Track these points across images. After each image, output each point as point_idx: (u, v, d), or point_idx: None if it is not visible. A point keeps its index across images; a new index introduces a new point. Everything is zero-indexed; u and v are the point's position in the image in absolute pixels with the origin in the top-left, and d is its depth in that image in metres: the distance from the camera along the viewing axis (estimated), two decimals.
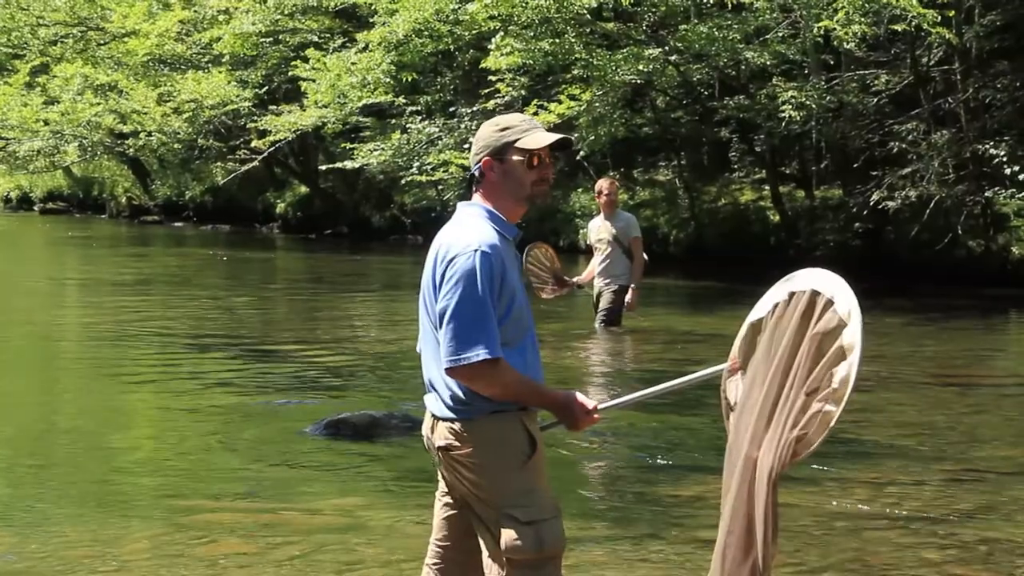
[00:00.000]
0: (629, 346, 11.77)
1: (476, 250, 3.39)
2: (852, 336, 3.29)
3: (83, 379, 10.25)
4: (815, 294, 3.44)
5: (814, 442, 3.31)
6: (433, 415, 3.54)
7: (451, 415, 3.47)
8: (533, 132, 3.54)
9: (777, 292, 3.60)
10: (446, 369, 3.40)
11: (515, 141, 3.53)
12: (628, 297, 11.62)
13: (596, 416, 3.57)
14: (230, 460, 7.26)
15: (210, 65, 27.32)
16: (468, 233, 3.45)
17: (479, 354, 3.34)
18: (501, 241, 3.48)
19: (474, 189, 3.61)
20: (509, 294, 3.45)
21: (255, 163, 26.33)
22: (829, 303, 3.39)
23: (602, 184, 11.88)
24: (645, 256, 11.88)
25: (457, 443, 3.46)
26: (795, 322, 3.44)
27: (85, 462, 7.26)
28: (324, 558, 5.24)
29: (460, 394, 3.44)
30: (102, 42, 29.58)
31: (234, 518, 5.89)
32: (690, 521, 5.85)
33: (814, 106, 17.11)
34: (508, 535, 3.41)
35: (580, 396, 3.56)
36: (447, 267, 3.42)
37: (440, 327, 3.42)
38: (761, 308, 3.63)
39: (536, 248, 11.32)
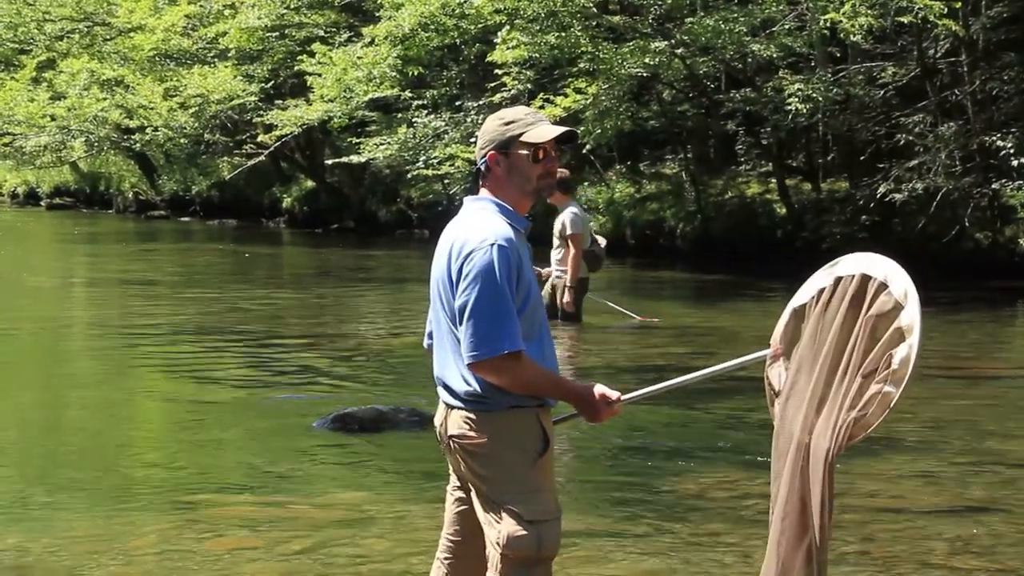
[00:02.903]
0: (634, 340, 11.77)
1: (493, 244, 3.38)
2: (911, 317, 3.29)
3: (90, 374, 10.27)
4: (866, 278, 3.42)
5: (872, 423, 3.31)
6: (448, 405, 3.54)
7: (468, 405, 3.47)
8: (538, 125, 3.52)
9: (821, 278, 3.57)
10: (468, 364, 3.39)
11: (520, 135, 3.51)
12: (565, 297, 11.43)
13: (617, 408, 3.56)
14: (237, 454, 7.27)
15: (216, 60, 27.33)
16: (482, 228, 3.43)
17: (502, 348, 3.33)
18: (515, 234, 3.48)
19: (480, 183, 3.60)
20: (525, 287, 3.44)
21: (261, 157, 26.32)
22: (883, 286, 3.37)
23: None
24: (599, 249, 11.57)
25: (471, 433, 3.45)
26: (845, 307, 3.42)
27: (92, 456, 7.28)
28: (332, 552, 5.25)
29: (478, 387, 3.43)
30: (108, 37, 29.60)
31: (241, 512, 5.90)
32: (696, 515, 5.86)
33: (820, 99, 17.07)
34: (509, 531, 3.40)
35: (602, 387, 3.54)
36: (464, 262, 3.39)
37: (460, 323, 3.41)
38: (804, 294, 3.61)
39: None
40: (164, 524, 5.66)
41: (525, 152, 3.51)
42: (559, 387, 3.52)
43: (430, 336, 3.66)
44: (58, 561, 5.14)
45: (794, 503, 3.40)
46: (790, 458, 3.43)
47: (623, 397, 3.57)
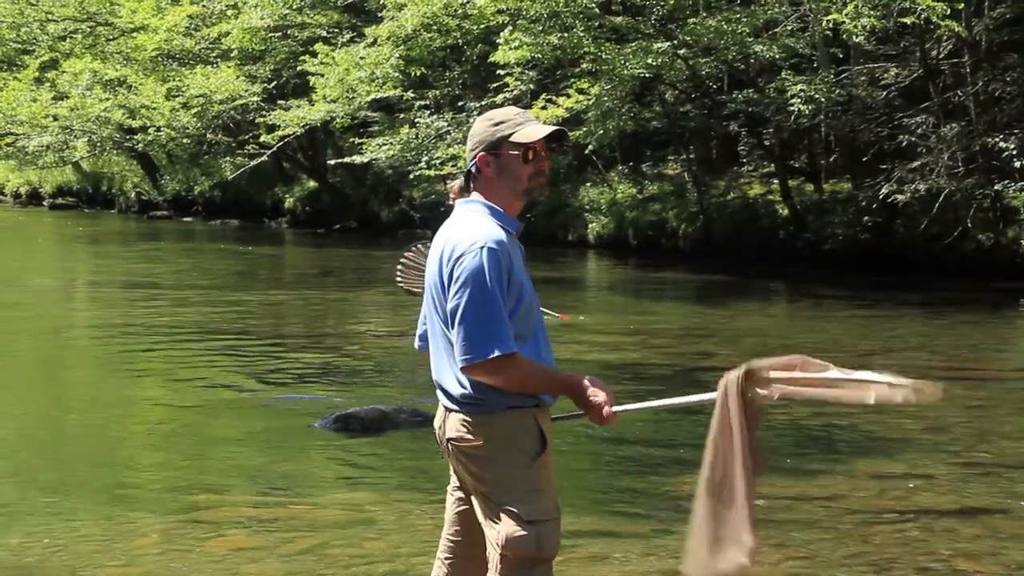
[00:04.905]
0: (637, 340, 11.76)
1: (482, 247, 3.36)
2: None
3: (92, 374, 10.27)
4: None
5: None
6: (446, 408, 3.54)
7: (465, 408, 3.46)
8: (527, 125, 3.49)
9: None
10: (462, 368, 3.39)
11: (509, 135, 3.48)
12: None
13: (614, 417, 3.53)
14: (239, 454, 7.27)
15: (219, 60, 27.35)
16: (473, 231, 3.42)
17: (493, 351, 3.33)
18: (506, 236, 3.46)
19: (471, 185, 3.59)
20: (517, 288, 3.43)
21: (264, 158, 26.33)
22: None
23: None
24: None
25: (469, 435, 3.45)
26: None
27: (94, 457, 7.28)
28: (333, 552, 5.26)
29: (473, 390, 3.42)
30: (111, 37, 29.61)
31: (243, 512, 5.91)
32: None
33: (823, 100, 17.09)
34: (508, 531, 3.40)
35: (596, 383, 3.48)
36: (454, 266, 3.39)
37: (452, 326, 3.41)
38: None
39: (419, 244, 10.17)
40: (166, 524, 5.67)
41: (515, 152, 3.49)
42: (555, 382, 3.49)
43: (421, 338, 3.67)
44: (60, 561, 5.15)
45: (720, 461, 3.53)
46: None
47: (616, 409, 3.54)
